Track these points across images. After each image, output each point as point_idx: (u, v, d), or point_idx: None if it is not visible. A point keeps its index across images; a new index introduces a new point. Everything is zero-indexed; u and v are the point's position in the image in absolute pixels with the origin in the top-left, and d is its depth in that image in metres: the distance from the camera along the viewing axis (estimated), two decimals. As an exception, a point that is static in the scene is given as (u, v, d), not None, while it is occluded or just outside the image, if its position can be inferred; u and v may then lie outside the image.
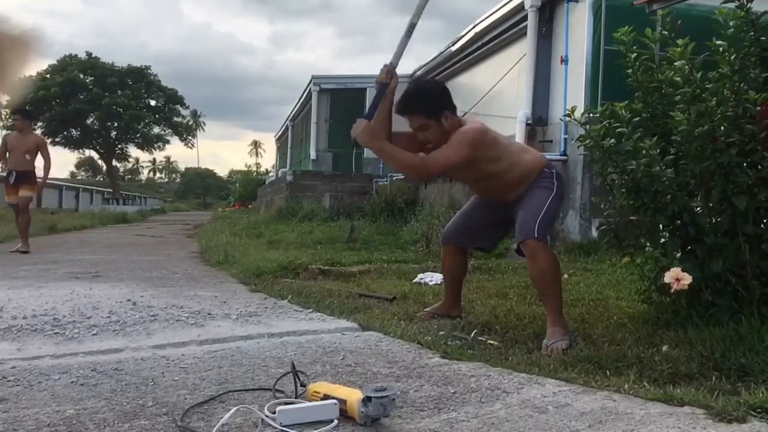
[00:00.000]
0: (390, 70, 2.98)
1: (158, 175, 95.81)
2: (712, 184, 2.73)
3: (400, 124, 3.09)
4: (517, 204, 3.00)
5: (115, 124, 42.59)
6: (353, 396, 1.79)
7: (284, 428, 1.70)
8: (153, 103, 44.29)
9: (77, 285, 4.51)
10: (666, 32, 2.89)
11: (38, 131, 39.81)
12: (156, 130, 45.81)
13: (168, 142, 47.19)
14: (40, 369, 2.32)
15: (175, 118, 46.01)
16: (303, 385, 2.00)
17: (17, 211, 7.67)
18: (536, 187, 2.99)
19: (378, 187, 12.49)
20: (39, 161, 7.76)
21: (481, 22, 10.09)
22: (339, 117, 15.72)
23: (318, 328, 3.08)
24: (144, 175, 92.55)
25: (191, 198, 64.60)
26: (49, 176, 8.21)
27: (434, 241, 6.79)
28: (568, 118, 3.11)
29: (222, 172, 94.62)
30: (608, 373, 2.28)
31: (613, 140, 2.94)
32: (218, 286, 4.67)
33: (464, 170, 3.02)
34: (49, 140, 41.11)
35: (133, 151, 51.11)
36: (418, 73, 13.84)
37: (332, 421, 1.74)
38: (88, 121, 42.02)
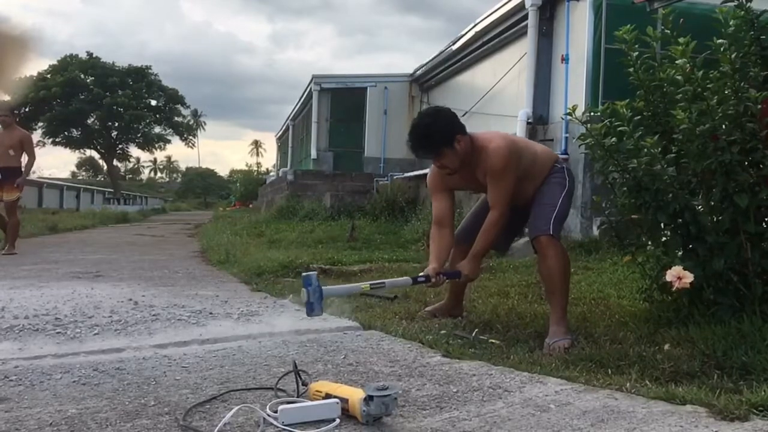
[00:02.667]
0: (434, 281, 3.00)
1: (159, 174, 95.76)
2: (714, 183, 2.73)
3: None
4: (531, 200, 3.01)
5: (116, 124, 42.60)
6: (355, 395, 1.79)
7: (286, 427, 1.70)
8: (154, 102, 44.28)
9: (78, 285, 4.51)
10: (668, 31, 2.88)
11: (39, 131, 39.86)
12: (157, 129, 45.83)
13: (169, 141, 47.25)
14: (41, 368, 2.32)
15: (176, 118, 46.01)
16: (305, 384, 2.00)
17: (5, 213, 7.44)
18: (549, 182, 3.01)
19: (379, 186, 12.50)
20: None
21: (481, 21, 10.09)
22: (340, 116, 15.73)
23: (319, 327, 3.08)
24: (145, 174, 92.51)
25: (192, 197, 64.51)
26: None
27: (435, 240, 6.78)
28: (569, 117, 3.11)
29: (223, 171, 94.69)
30: (610, 371, 2.28)
31: (614, 139, 2.94)
32: (219, 285, 4.68)
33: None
34: (50, 140, 41.27)
35: (134, 151, 51.14)
36: (419, 72, 13.86)
37: (334, 420, 1.74)
38: (89, 121, 42.02)
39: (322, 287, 2.71)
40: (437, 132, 2.90)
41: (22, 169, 7.54)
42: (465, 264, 3.06)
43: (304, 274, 2.75)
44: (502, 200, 2.94)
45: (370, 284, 2.98)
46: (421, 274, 3.01)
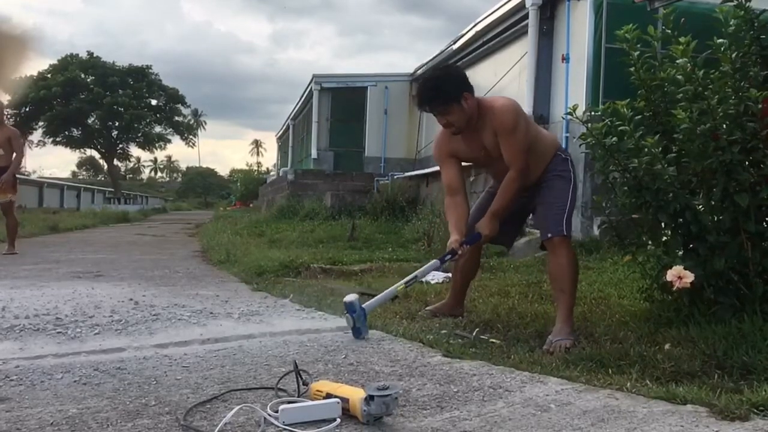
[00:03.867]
0: (460, 253, 2.98)
1: (159, 174, 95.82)
2: (714, 182, 2.73)
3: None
4: (537, 192, 3.01)
5: (116, 124, 42.58)
6: (356, 395, 1.79)
7: (287, 427, 1.70)
8: (154, 102, 44.29)
9: (79, 284, 4.51)
10: (668, 30, 2.88)
11: (39, 131, 39.80)
12: (157, 129, 45.84)
13: (169, 141, 47.29)
14: (42, 368, 2.32)
15: (176, 118, 46.01)
16: (305, 384, 2.00)
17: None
18: (555, 176, 3.00)
19: (379, 185, 12.51)
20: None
21: (482, 20, 10.08)
22: (340, 116, 15.73)
23: (320, 326, 3.08)
24: (145, 174, 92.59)
25: (192, 197, 64.58)
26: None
27: (435, 240, 6.79)
28: (569, 117, 3.11)
29: (223, 171, 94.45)
30: (611, 371, 2.28)
31: (614, 138, 2.94)
32: (220, 285, 4.68)
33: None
34: (50, 139, 41.27)
35: (135, 151, 51.13)
36: (420, 71, 13.85)
37: (335, 420, 1.74)
38: (90, 121, 42.02)
39: (363, 306, 2.79)
40: (446, 86, 2.92)
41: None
42: (483, 223, 3.02)
43: (345, 300, 2.81)
44: (518, 155, 2.91)
45: (404, 283, 2.97)
46: (447, 251, 2.99)
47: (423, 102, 3.00)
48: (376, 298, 3.04)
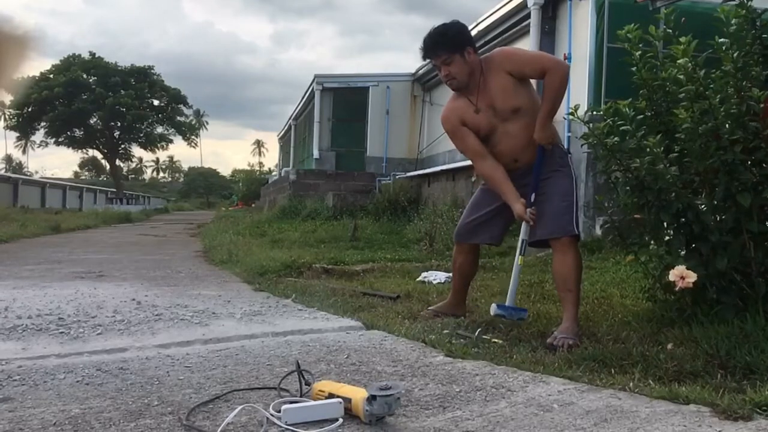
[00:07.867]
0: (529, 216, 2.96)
1: (161, 174, 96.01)
2: (717, 182, 2.73)
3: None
4: (537, 188, 2.97)
5: (119, 124, 42.61)
6: (358, 395, 1.79)
7: (289, 427, 1.70)
8: (156, 102, 44.31)
9: (82, 284, 4.52)
10: (670, 30, 2.88)
11: (42, 131, 39.87)
12: (159, 129, 45.89)
13: (171, 141, 47.31)
14: (45, 368, 2.32)
15: (178, 118, 46.01)
16: (308, 384, 2.00)
17: None
18: (557, 172, 2.97)
19: (381, 185, 12.52)
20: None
21: (483, 20, 10.08)
22: (342, 116, 15.75)
23: (322, 326, 3.08)
24: (147, 174, 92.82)
25: (194, 197, 64.70)
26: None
27: (437, 240, 6.79)
28: (571, 116, 3.10)
29: (225, 171, 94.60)
30: (613, 371, 2.28)
31: (616, 138, 2.93)
32: (222, 285, 4.68)
33: (520, 92, 2.98)
34: (52, 140, 41.36)
35: (137, 151, 51.07)
36: (421, 71, 13.85)
37: (337, 419, 1.75)
38: (92, 121, 42.05)
39: (504, 304, 3.02)
40: (451, 33, 2.99)
41: None
42: (539, 135, 2.95)
43: (492, 314, 2.98)
44: (543, 58, 3.00)
45: (521, 257, 3.04)
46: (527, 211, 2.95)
47: (427, 48, 3.03)
48: (511, 287, 3.08)
